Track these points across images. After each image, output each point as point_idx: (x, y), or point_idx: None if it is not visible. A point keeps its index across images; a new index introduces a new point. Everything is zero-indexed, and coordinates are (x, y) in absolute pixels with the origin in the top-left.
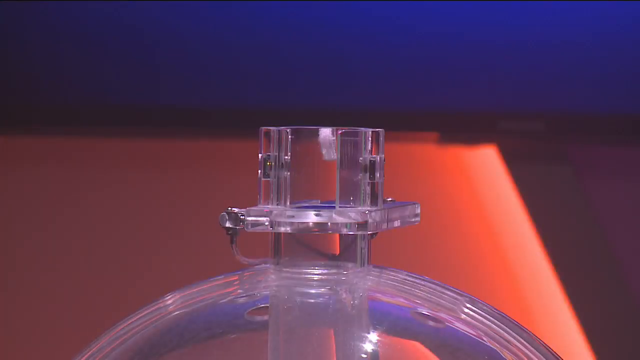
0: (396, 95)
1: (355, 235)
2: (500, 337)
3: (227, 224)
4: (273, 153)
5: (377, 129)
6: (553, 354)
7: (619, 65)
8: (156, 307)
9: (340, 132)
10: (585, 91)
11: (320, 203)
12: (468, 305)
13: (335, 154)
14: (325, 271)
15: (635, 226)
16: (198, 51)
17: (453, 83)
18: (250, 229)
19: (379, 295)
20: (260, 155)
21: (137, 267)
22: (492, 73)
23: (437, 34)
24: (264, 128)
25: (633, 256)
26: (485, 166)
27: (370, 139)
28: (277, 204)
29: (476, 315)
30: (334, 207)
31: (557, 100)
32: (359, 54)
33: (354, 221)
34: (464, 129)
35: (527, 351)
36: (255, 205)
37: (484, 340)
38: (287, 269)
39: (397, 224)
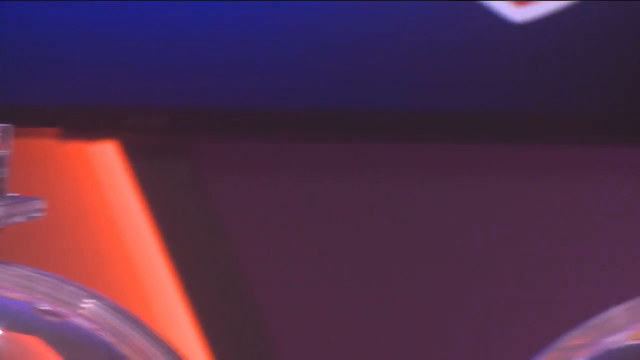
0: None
1: None
2: (118, 330)
3: None
4: None
5: (5, 125)
6: (170, 347)
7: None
8: None
9: None
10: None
11: None
12: (86, 300)
13: None
14: None
15: (254, 221)
16: None
17: (74, 78)
18: None
19: (0, 291)
20: None
21: None
22: (116, 67)
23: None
24: None
25: (250, 250)
26: (107, 161)
27: None
28: None
29: (95, 309)
30: None
31: (178, 96)
32: None
33: None
34: (86, 125)
35: (145, 343)
36: None
37: (101, 334)
38: None
39: (19, 219)
